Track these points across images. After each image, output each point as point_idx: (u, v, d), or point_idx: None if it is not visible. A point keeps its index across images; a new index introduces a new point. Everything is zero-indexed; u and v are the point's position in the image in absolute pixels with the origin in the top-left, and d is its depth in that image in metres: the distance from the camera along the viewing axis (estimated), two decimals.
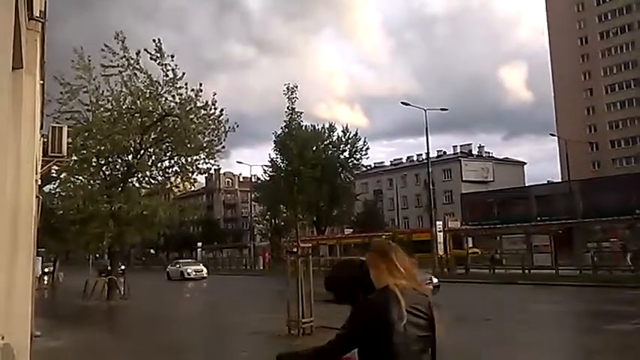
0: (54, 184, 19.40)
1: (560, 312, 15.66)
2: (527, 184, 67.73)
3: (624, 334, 10.78)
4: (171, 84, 19.54)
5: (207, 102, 20.02)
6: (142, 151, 20.17)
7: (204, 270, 38.96)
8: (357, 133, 52.99)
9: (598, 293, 18.99)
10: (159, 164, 21.16)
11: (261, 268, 49.53)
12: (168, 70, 19.37)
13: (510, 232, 36.58)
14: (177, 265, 40.31)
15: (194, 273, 37.50)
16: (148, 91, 19.51)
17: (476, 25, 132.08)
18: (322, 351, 2.57)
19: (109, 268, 21.30)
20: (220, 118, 20.35)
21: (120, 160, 20.72)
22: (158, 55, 19.16)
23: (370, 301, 2.52)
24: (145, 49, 19.15)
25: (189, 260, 47.22)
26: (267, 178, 52.56)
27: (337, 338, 2.54)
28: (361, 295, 2.57)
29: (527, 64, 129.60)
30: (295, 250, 11.66)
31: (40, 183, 11.80)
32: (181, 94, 19.64)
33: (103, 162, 20.54)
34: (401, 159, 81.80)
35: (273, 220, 59.07)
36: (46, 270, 39.16)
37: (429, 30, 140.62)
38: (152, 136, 20.33)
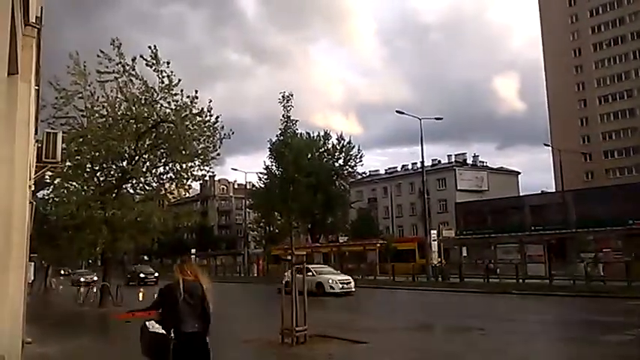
0: (48, 189, 19.29)
1: (554, 322, 15.66)
2: (521, 194, 67.95)
3: (618, 345, 10.78)
4: (166, 90, 19.49)
5: (202, 109, 19.98)
6: (137, 157, 20.08)
7: (352, 282, 27.09)
8: (350, 141, 53.20)
9: (592, 303, 19.03)
10: (153, 170, 21.06)
11: (255, 275, 49.37)
12: (163, 77, 19.32)
13: (504, 241, 36.70)
14: (310, 273, 26.72)
15: (340, 286, 25.59)
16: (144, 97, 19.45)
17: (469, 34, 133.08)
18: (148, 307, 5.44)
19: (142, 274, 20.06)
20: (216, 125, 20.32)
21: (114, 166, 20.62)
22: (154, 61, 19.12)
23: (167, 286, 5.35)
24: (141, 56, 19.11)
25: (322, 266, 31.63)
26: (262, 186, 52.55)
27: (153, 302, 5.40)
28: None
29: (521, 74, 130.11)
30: (289, 257, 11.64)
31: (33, 188, 11.75)
32: (177, 101, 19.59)
33: (97, 168, 20.44)
34: (396, 167, 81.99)
35: (267, 228, 59.00)
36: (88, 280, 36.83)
37: (423, 39, 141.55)
38: (147, 143, 20.25)
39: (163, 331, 5.05)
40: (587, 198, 47.32)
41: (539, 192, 61.61)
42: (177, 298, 5.01)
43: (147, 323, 5.25)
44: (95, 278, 35.71)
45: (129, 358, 10.84)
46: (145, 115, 19.32)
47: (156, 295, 5.44)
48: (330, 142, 52.81)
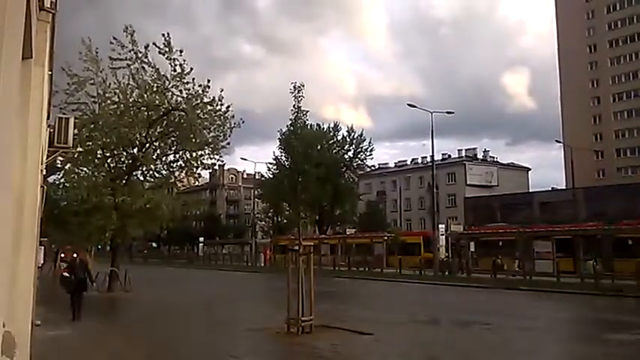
0: (59, 174, 19.46)
1: (561, 319, 15.62)
2: (531, 190, 67.57)
3: (624, 344, 10.74)
4: (178, 79, 19.55)
5: (213, 98, 20.01)
6: (147, 145, 20.20)
7: None
8: (362, 134, 53.01)
9: (600, 301, 18.94)
10: (164, 158, 21.19)
11: (262, 264, 49.54)
12: (176, 65, 19.38)
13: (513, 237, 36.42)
14: None
15: None
16: (155, 85, 19.52)
17: (482, 29, 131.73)
18: (65, 268, 15.11)
19: None
20: (226, 115, 20.36)
21: (125, 153, 20.76)
22: (167, 49, 19.18)
23: (72, 259, 16.70)
24: (154, 43, 19.19)
25: None
26: (271, 176, 52.62)
27: (67, 267, 15.08)
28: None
29: (533, 70, 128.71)
30: (297, 248, 11.65)
31: (45, 173, 11.83)
32: (188, 89, 19.66)
33: (108, 154, 20.58)
34: (405, 161, 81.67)
35: (275, 218, 59.10)
36: None
37: (435, 33, 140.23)
38: (158, 130, 20.35)
39: (69, 276, 13.40)
40: (598, 196, 46.98)
41: (550, 189, 61.27)
42: (74, 265, 13.94)
43: (63, 274, 14.05)
44: None
45: (133, 342, 10.99)
46: (157, 102, 19.40)
47: (66, 265, 14.89)
48: (340, 133, 52.72)
